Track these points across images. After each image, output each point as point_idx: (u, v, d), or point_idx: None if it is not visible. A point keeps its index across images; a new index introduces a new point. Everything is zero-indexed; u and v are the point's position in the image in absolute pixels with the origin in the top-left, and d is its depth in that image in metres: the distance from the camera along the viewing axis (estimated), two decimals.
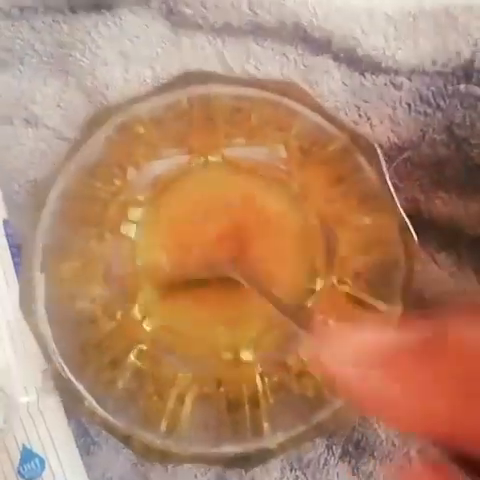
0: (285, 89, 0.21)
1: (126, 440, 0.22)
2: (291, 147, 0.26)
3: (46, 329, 0.21)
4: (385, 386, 0.12)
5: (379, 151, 0.21)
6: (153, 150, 0.26)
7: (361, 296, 0.25)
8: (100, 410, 0.22)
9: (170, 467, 0.31)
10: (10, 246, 0.30)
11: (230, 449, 0.21)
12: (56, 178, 0.21)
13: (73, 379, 0.21)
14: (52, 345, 0.21)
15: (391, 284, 0.23)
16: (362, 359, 0.13)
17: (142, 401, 0.24)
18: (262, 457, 0.21)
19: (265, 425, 0.22)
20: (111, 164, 0.24)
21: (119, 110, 0.21)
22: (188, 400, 0.25)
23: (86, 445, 0.32)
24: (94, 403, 0.22)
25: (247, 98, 0.21)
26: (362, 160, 0.22)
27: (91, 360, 0.24)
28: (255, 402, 0.24)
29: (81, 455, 0.30)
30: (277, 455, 0.22)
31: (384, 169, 0.21)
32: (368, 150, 0.22)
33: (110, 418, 0.22)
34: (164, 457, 0.22)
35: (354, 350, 0.13)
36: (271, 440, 0.22)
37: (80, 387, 0.21)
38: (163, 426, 0.23)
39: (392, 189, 0.21)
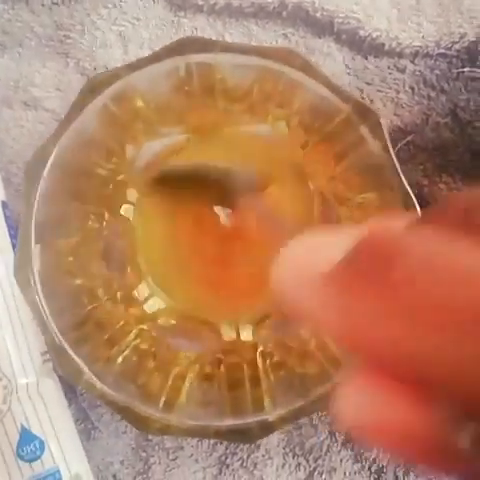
0: (287, 58, 0.20)
1: (124, 413, 0.21)
2: (293, 124, 0.25)
3: (43, 302, 0.21)
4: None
5: (383, 122, 0.21)
6: (151, 127, 0.25)
7: None
8: (99, 383, 0.21)
9: (171, 452, 0.31)
10: (9, 228, 0.29)
11: (230, 422, 0.21)
12: (51, 148, 0.21)
13: (71, 352, 0.21)
14: (49, 318, 0.21)
15: None
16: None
17: (142, 377, 0.24)
18: (263, 430, 0.21)
19: (266, 401, 0.22)
20: (108, 138, 0.24)
21: (116, 77, 0.20)
22: (189, 379, 0.24)
23: (86, 430, 0.31)
24: (93, 377, 0.21)
25: (248, 68, 0.20)
26: (366, 132, 0.21)
27: (89, 336, 0.23)
28: (256, 380, 0.24)
29: (81, 440, 0.30)
30: (277, 428, 0.21)
31: (388, 141, 0.21)
32: (372, 121, 0.21)
33: (109, 391, 0.21)
34: (163, 429, 0.21)
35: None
36: (271, 414, 0.21)
37: (78, 360, 0.21)
38: (162, 401, 0.22)
39: (396, 162, 0.21)
